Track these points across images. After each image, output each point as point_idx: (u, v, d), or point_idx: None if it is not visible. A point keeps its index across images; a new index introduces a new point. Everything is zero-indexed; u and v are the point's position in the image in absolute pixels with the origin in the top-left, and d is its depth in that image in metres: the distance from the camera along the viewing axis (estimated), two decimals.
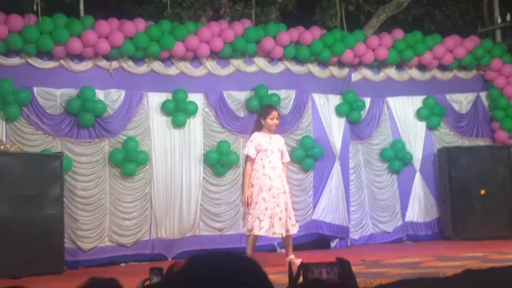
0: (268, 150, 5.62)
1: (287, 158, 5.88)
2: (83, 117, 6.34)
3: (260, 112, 5.96)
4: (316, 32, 7.36)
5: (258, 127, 5.80)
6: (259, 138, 5.66)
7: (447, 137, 7.97)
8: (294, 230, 5.61)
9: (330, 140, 7.42)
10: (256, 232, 5.48)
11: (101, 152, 6.48)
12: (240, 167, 7.05)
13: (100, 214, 6.44)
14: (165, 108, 6.75)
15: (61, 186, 5.91)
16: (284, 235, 5.55)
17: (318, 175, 7.36)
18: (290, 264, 1.89)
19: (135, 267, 6.25)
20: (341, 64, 7.56)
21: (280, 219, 5.48)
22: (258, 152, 5.61)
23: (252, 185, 5.56)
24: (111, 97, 6.58)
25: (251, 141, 5.69)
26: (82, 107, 6.32)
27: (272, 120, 5.68)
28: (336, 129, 7.47)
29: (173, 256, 6.67)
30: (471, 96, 8.13)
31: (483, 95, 8.16)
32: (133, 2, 8.69)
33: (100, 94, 6.50)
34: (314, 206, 7.30)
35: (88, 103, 6.33)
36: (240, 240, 6.99)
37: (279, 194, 5.52)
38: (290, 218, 5.57)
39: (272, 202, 5.46)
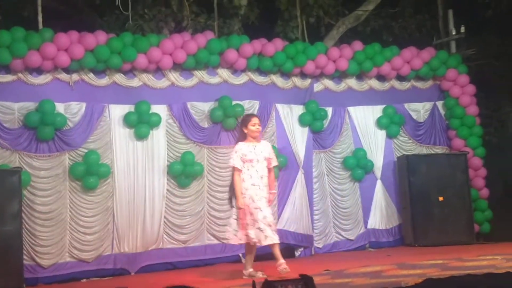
0: (253, 160, 5.51)
1: (274, 163, 5.70)
2: (43, 131, 6.22)
3: (241, 122, 5.85)
4: (278, 43, 7.46)
5: (242, 137, 5.69)
6: (243, 148, 5.55)
7: (406, 145, 8.18)
8: (268, 242, 5.44)
9: (294, 150, 7.50)
10: (240, 239, 5.52)
11: (61, 166, 6.37)
12: (205, 178, 7.04)
13: (60, 230, 6.31)
14: (127, 120, 6.69)
15: (20, 202, 5.78)
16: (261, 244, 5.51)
17: (282, 185, 7.43)
18: (254, 282, 1.92)
19: (96, 283, 6.15)
20: (303, 75, 7.68)
21: (259, 228, 5.41)
22: (244, 162, 5.50)
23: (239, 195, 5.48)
24: (71, 110, 6.47)
25: (236, 152, 5.57)
26: (41, 120, 6.20)
27: (254, 126, 5.58)
28: (299, 138, 7.57)
29: (136, 270, 6.59)
30: (428, 105, 8.38)
31: (439, 104, 8.43)
32: (94, 14, 8.60)
33: (60, 107, 6.39)
34: (279, 216, 7.35)
35: (47, 116, 6.21)
36: (205, 252, 6.98)
37: (260, 202, 5.45)
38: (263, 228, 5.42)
39: (255, 213, 5.41)
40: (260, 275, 5.45)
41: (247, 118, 5.72)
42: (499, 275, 3.83)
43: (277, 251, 5.43)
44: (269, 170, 5.64)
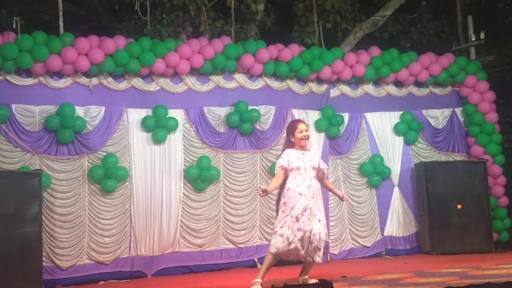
0: (301, 168, 5.05)
1: (326, 171, 5.30)
2: (62, 134, 6.30)
3: (287, 130, 5.36)
4: (295, 49, 7.47)
5: (289, 145, 5.24)
6: (291, 155, 5.12)
7: (424, 152, 8.11)
8: (316, 259, 5.00)
9: None
10: (283, 250, 4.95)
11: (80, 168, 6.44)
12: (221, 182, 7.06)
13: (78, 232, 6.38)
14: (145, 124, 6.75)
15: (40, 204, 5.85)
16: (307, 260, 5.04)
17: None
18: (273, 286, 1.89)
19: (114, 285, 6.19)
20: (319, 81, 7.68)
21: (310, 242, 4.94)
22: (291, 169, 5.06)
23: (285, 203, 5.02)
24: (90, 114, 6.56)
25: (283, 157, 5.14)
26: (61, 123, 6.29)
27: (301, 133, 5.13)
28: (315, 144, 7.55)
29: (153, 273, 6.63)
30: (447, 112, 8.30)
31: (458, 111, 8.35)
32: (113, 19, 8.71)
33: (79, 111, 6.47)
34: None
35: (67, 120, 6.30)
36: (221, 256, 6.99)
37: (312, 216, 4.99)
38: (314, 244, 4.97)
39: (305, 223, 4.93)
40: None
41: (293, 126, 5.24)
42: None
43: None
44: (325, 179, 5.30)
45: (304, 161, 5.09)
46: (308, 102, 7.61)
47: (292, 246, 4.89)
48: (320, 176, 5.18)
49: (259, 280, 4.96)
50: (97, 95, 6.59)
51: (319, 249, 4.93)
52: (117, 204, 6.58)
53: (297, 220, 4.92)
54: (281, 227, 4.96)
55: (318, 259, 4.96)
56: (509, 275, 4.36)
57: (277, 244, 4.93)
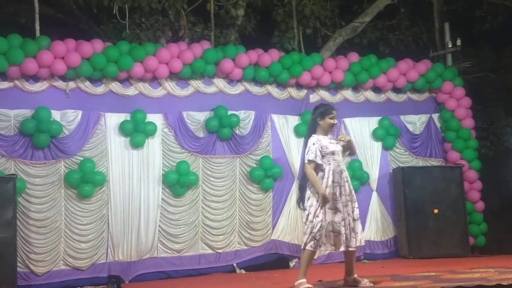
0: (335, 152, 4.79)
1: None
2: (38, 138, 6.23)
3: (317, 112, 4.96)
4: (274, 54, 7.50)
5: (313, 130, 4.93)
6: (322, 140, 4.81)
7: (402, 157, 8.19)
8: (356, 243, 4.77)
9: (289, 160, 7.51)
10: (323, 248, 4.75)
11: (56, 173, 6.37)
12: (200, 187, 7.04)
13: (54, 237, 6.30)
14: (123, 129, 6.70)
15: (14, 209, 5.77)
16: (347, 249, 4.76)
17: (277, 195, 7.43)
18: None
19: None
20: (299, 86, 7.72)
21: (352, 230, 4.74)
22: (323, 156, 4.77)
23: (317, 195, 4.74)
24: (67, 118, 6.49)
25: (314, 144, 4.79)
26: (37, 128, 6.21)
27: (332, 119, 4.85)
28: (295, 149, 7.57)
29: (130, 279, 6.57)
30: (424, 118, 8.40)
31: (435, 116, 8.45)
32: (91, 22, 8.65)
33: (56, 115, 6.41)
34: (274, 226, 7.36)
35: (43, 124, 6.22)
36: (199, 261, 6.96)
37: (348, 202, 4.78)
38: (353, 229, 4.77)
39: (344, 213, 4.71)
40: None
41: (326, 109, 4.90)
42: (489, 287, 3.83)
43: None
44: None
45: (335, 145, 4.86)
46: (288, 107, 7.64)
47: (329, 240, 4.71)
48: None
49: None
50: (74, 99, 6.53)
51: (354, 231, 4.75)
52: (94, 209, 6.52)
53: (339, 211, 4.74)
54: (320, 220, 4.69)
55: (356, 242, 4.75)
56: (482, 279, 4.42)
57: (314, 238, 4.69)
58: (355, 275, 4.85)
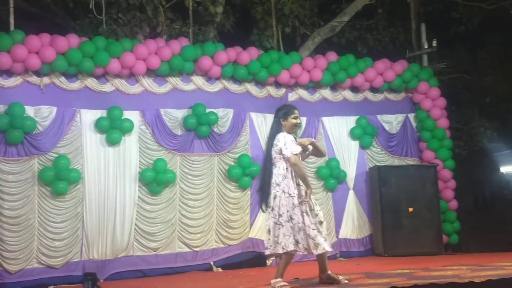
0: (298, 154, 4.77)
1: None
2: (11, 134, 6.10)
3: (280, 113, 4.89)
4: (253, 52, 7.49)
5: (277, 132, 4.84)
6: (290, 137, 4.74)
7: (379, 156, 8.28)
8: (325, 247, 4.74)
9: None
10: (292, 248, 4.70)
11: (30, 170, 6.26)
12: (177, 186, 6.99)
13: (28, 235, 6.19)
14: (99, 126, 6.61)
15: None
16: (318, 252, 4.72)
17: (255, 193, 7.41)
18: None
19: None
20: (278, 84, 7.72)
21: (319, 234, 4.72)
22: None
23: (290, 195, 4.70)
24: (41, 114, 6.38)
25: (285, 137, 4.71)
26: (10, 123, 6.09)
27: (295, 119, 4.81)
28: None
29: (105, 277, 6.49)
30: (400, 117, 8.50)
31: (411, 116, 8.56)
32: (67, 17, 8.51)
33: (29, 111, 6.29)
34: (251, 224, 7.35)
35: (16, 120, 6.10)
36: (176, 259, 6.92)
37: (313, 205, 4.75)
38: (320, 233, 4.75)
39: (313, 215, 4.71)
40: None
41: (289, 110, 4.85)
42: (461, 285, 3.89)
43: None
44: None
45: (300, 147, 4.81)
46: (267, 106, 7.63)
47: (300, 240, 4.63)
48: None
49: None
50: (49, 95, 6.42)
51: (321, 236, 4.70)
52: (69, 207, 6.42)
53: (307, 213, 4.68)
54: (291, 222, 4.64)
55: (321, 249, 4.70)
56: (454, 276, 4.49)
57: (286, 242, 4.65)
58: (329, 272, 4.87)
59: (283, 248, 4.73)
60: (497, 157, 11.24)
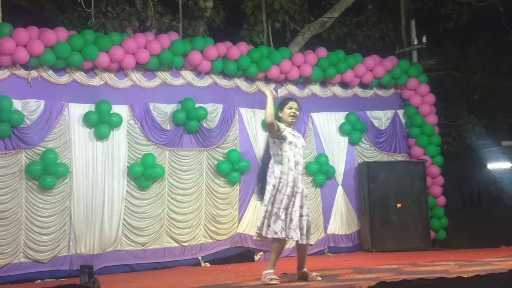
0: (292, 143, 4.84)
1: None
2: None
3: (278, 106, 5.02)
4: (243, 47, 7.47)
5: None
6: (283, 127, 4.85)
7: (368, 152, 8.31)
8: (309, 239, 4.82)
9: (256, 154, 7.51)
10: (283, 235, 4.72)
11: (17, 164, 6.21)
12: (166, 180, 6.97)
13: (15, 229, 6.15)
14: (87, 120, 6.57)
15: None
16: (300, 242, 4.76)
17: (244, 189, 7.43)
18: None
19: (51, 284, 5.99)
20: (267, 80, 7.72)
21: (309, 226, 4.80)
22: (281, 143, 4.80)
23: (280, 179, 4.75)
24: (29, 107, 6.33)
25: (281, 127, 4.82)
26: None
27: (290, 109, 4.87)
28: (262, 143, 7.54)
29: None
30: (389, 113, 8.54)
31: (400, 112, 8.60)
32: (55, 10, 8.44)
33: (17, 104, 6.24)
34: (240, 220, 7.36)
35: (4, 113, 6.05)
36: (164, 254, 6.91)
37: (298, 194, 4.79)
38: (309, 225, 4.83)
39: (304, 207, 4.78)
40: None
41: (284, 101, 4.99)
42: (450, 280, 3.92)
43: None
44: None
45: (294, 137, 4.90)
46: (256, 101, 7.63)
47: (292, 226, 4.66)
48: None
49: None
50: (37, 88, 6.37)
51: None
52: (56, 201, 6.39)
53: (288, 197, 4.74)
54: (277, 207, 4.71)
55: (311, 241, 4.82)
56: (442, 272, 4.52)
57: (275, 227, 4.68)
58: (305, 269, 4.91)
59: (275, 233, 4.75)
60: (485, 153, 11.33)
